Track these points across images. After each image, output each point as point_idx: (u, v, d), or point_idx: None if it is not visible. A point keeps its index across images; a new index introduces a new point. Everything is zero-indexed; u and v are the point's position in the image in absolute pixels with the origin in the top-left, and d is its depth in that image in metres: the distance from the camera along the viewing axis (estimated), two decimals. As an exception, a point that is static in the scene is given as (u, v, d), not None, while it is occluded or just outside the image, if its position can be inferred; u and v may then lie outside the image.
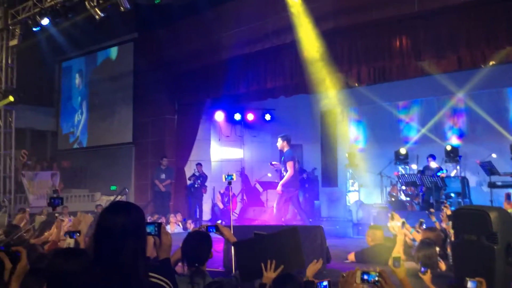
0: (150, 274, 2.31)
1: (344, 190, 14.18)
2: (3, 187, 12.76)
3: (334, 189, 14.52)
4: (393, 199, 11.65)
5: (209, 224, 3.93)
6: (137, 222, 2.11)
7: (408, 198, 11.50)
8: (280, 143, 8.55)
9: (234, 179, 5.72)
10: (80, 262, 2.33)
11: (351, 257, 6.37)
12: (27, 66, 13.63)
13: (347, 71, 10.17)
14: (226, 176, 5.68)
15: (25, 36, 12.33)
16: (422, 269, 3.60)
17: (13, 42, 12.47)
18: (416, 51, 8.76)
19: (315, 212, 13.65)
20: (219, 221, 12.95)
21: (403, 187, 11.62)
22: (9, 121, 12.99)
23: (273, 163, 9.61)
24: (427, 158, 11.79)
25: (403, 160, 12.81)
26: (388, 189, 12.24)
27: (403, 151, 12.79)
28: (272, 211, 12.10)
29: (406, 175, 11.91)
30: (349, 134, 14.69)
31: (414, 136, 13.54)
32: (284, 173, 8.44)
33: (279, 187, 8.41)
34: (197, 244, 3.32)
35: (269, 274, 3.10)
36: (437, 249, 4.84)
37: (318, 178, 14.47)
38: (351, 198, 13.78)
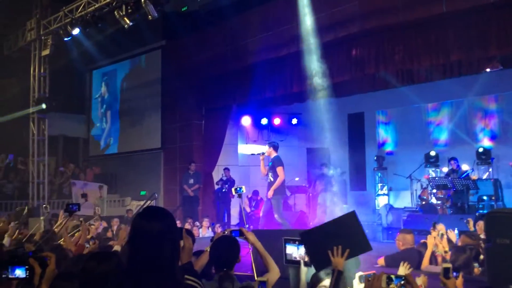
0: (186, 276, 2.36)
1: (373, 194, 14.02)
2: (37, 193, 13.15)
3: (362, 192, 14.38)
4: (423, 203, 11.45)
5: (233, 228, 3.97)
6: (171, 226, 2.16)
7: (439, 202, 11.29)
8: (267, 149, 8.53)
9: (244, 191, 5.78)
10: (112, 265, 2.39)
11: (381, 261, 6.29)
12: (58, 74, 14.02)
13: (374, 73, 10.08)
14: (237, 189, 5.74)
15: (57, 45, 12.69)
16: (454, 273, 3.53)
17: (45, 52, 12.86)
18: (445, 52, 8.60)
19: (343, 216, 13.52)
20: (247, 226, 12.99)
21: (434, 190, 11.41)
22: (42, 128, 13.38)
23: (257, 153, 8.94)
24: (449, 161, 11.52)
25: (434, 162, 12.59)
26: (419, 192, 12.04)
27: (433, 153, 12.57)
28: (304, 215, 12.11)
29: (436, 178, 11.70)
30: (378, 137, 14.53)
31: (444, 138, 13.30)
32: (271, 179, 8.36)
33: (270, 192, 8.31)
34: (226, 248, 3.34)
35: (337, 260, 3.12)
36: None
37: (346, 182, 14.34)
38: (380, 201, 13.62)
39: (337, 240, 3.20)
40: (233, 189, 5.80)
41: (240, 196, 5.79)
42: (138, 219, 2.17)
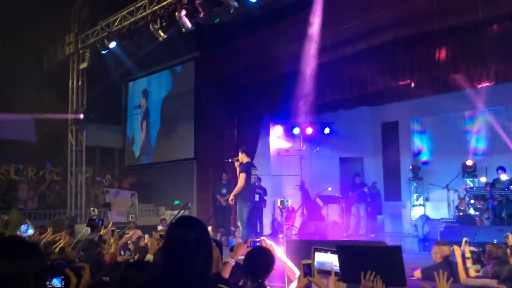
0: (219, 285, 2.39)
1: (409, 204, 13.75)
2: (75, 202, 13.50)
3: (397, 203, 14.11)
4: (461, 214, 11.15)
5: (254, 239, 3.99)
6: (204, 236, 2.19)
7: (477, 213, 10.97)
8: (240, 155, 8.37)
9: (289, 204, 5.76)
10: (149, 274, 2.43)
11: (417, 274, 6.16)
12: (95, 87, 14.43)
13: (408, 81, 9.93)
14: (283, 201, 5.70)
15: (94, 58, 13.08)
16: None
17: (83, 65, 13.27)
18: (482, 59, 8.41)
19: (378, 227, 13.32)
20: (280, 236, 12.93)
21: (472, 201, 11.10)
22: (80, 139, 13.76)
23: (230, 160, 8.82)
24: (497, 170, 11.20)
25: (471, 172, 12.26)
26: (456, 203, 11.73)
27: (470, 163, 12.24)
28: (337, 225, 11.97)
29: (474, 188, 11.38)
30: (412, 146, 14.27)
31: (482, 147, 12.93)
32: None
33: (231, 197, 8.25)
34: (261, 259, 3.35)
35: (366, 283, 3.09)
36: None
37: (380, 192, 14.12)
38: (416, 212, 13.34)
39: (373, 265, 3.17)
40: (279, 201, 5.78)
41: (284, 209, 5.76)
42: (172, 229, 2.21)
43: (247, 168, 8.19)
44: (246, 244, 3.77)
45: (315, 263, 3.60)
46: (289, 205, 5.75)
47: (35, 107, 14.32)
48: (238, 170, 8.34)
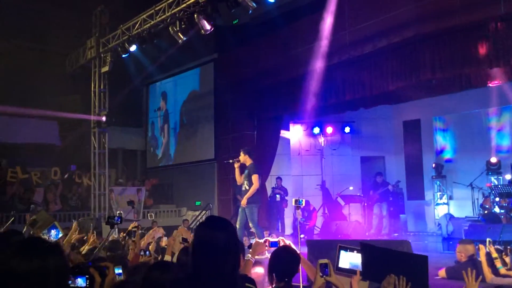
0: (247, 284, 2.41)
1: (432, 203, 13.57)
2: (99, 204, 13.70)
3: (420, 202, 13.94)
4: (486, 212, 10.96)
5: (271, 239, 3.99)
6: (233, 236, 2.21)
7: (502, 211, 10.76)
8: (242, 156, 8.12)
9: (303, 204, 5.73)
10: (174, 274, 2.46)
11: (442, 273, 6.09)
12: (117, 90, 14.63)
13: (431, 78, 9.80)
14: (298, 201, 5.68)
15: (115, 62, 13.26)
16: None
17: (105, 69, 13.47)
18: (505, 55, 8.24)
19: (401, 226, 13.18)
20: (302, 236, 12.91)
21: (497, 199, 10.90)
22: (103, 142, 13.96)
23: (232, 161, 8.34)
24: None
25: (496, 170, 12.04)
26: (480, 201, 11.53)
27: (494, 160, 12.02)
28: (359, 225, 11.90)
29: (499, 186, 11.17)
30: (435, 144, 14.07)
31: (506, 144, 12.69)
32: (247, 187, 8.02)
33: (244, 201, 8.00)
34: (287, 259, 3.35)
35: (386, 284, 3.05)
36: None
37: (403, 191, 13.97)
38: (440, 211, 13.16)
39: (396, 270, 3.13)
40: (293, 200, 5.76)
41: (299, 208, 5.73)
42: (202, 228, 2.21)
43: (257, 169, 8.06)
44: (265, 243, 3.78)
45: (342, 262, 3.59)
46: (303, 205, 5.70)
47: (59, 110, 14.58)
48: (237, 171, 8.13)
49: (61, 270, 1.70)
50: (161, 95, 17.40)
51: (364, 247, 3.52)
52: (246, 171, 8.19)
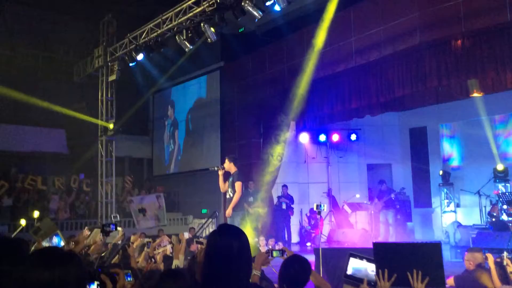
0: None
1: (439, 211, 13.49)
2: (106, 212, 13.74)
3: (427, 209, 13.86)
4: (493, 220, 10.87)
5: (277, 248, 3.97)
6: (246, 245, 2.21)
7: (510, 218, 10.68)
8: (227, 164, 8.01)
9: (325, 209, 5.68)
10: (187, 282, 2.47)
11: (450, 281, 6.03)
12: (124, 98, 14.71)
13: (437, 86, 9.79)
14: (318, 206, 5.62)
15: (122, 70, 13.35)
16: None
17: (112, 77, 13.57)
18: (511, 61, 8.23)
19: (408, 234, 13.10)
20: (308, 244, 12.87)
21: (504, 206, 10.82)
22: (110, 150, 14.03)
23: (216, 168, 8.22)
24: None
25: (503, 177, 11.95)
26: (488, 208, 11.45)
27: (501, 168, 11.95)
28: (366, 233, 11.85)
29: (507, 194, 11.09)
30: (442, 152, 14.02)
31: (514, 151, 12.63)
32: (231, 195, 7.93)
33: (229, 211, 7.90)
34: (298, 268, 3.32)
35: (418, 285, 3.01)
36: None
37: (409, 199, 13.90)
38: (447, 219, 13.06)
39: (410, 264, 3.10)
40: (315, 205, 5.70)
41: (319, 213, 5.68)
42: (215, 236, 2.22)
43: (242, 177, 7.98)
44: (267, 254, 3.74)
45: (350, 269, 3.57)
46: (324, 210, 5.62)
47: (67, 119, 14.68)
48: (221, 178, 8.01)
49: (81, 278, 1.72)
50: (168, 103, 17.48)
51: (376, 246, 3.48)
52: (230, 179, 8.09)
